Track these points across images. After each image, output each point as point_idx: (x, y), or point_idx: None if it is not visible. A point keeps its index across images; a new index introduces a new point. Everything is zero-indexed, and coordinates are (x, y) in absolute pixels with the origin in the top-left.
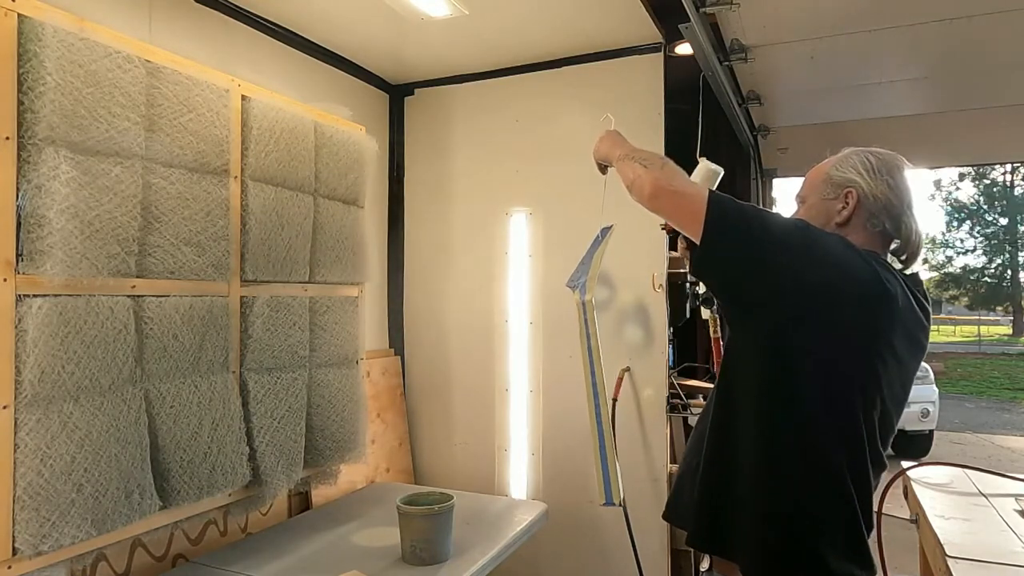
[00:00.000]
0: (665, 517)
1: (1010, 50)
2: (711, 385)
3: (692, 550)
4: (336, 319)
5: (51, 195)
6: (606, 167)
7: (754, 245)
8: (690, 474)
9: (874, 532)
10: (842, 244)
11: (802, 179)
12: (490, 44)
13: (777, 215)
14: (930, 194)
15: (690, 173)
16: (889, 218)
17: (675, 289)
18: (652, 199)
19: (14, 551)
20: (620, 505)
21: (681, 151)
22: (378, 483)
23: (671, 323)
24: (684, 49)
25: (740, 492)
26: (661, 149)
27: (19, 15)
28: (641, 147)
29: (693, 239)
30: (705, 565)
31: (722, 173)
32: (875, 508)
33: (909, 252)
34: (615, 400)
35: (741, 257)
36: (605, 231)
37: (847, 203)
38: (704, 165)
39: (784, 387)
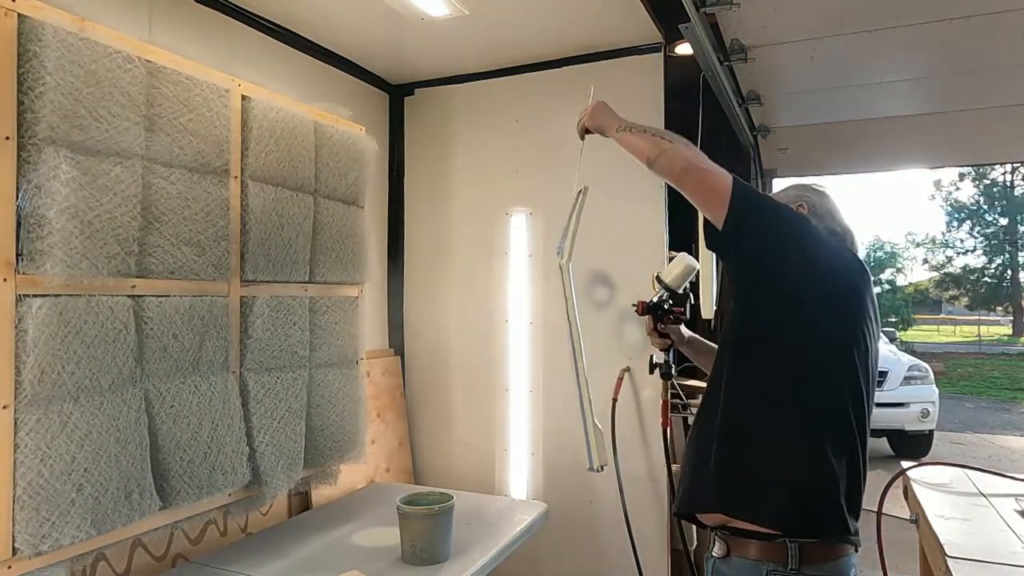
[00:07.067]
0: (678, 513)
1: (1010, 50)
2: None
3: (691, 550)
4: (336, 319)
5: (51, 195)
6: (586, 134)
7: (772, 225)
8: (704, 462)
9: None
10: (828, 232)
11: (801, 180)
12: (490, 44)
13: (782, 203)
14: (930, 194)
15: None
16: (834, 220)
17: None
18: (683, 174)
19: (14, 551)
20: (601, 469)
21: None
22: (378, 483)
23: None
24: (684, 49)
25: (764, 452)
26: None
27: (19, 15)
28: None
29: (711, 216)
30: (718, 551)
31: (698, 268)
32: (875, 508)
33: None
34: (615, 400)
35: (761, 236)
36: (580, 194)
37: (799, 212)
38: (683, 260)
39: (803, 348)
